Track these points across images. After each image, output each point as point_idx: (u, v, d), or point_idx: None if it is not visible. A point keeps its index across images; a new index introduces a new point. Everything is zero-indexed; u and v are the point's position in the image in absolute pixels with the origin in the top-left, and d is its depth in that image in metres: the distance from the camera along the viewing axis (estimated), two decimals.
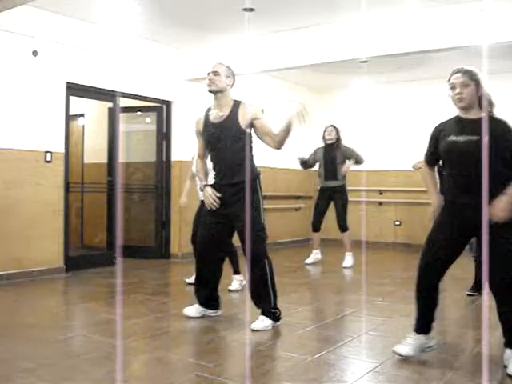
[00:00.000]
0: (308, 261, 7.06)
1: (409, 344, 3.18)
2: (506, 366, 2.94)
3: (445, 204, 3.16)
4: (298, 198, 9.41)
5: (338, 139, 6.91)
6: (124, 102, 7.37)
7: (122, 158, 7.08)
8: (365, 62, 6.80)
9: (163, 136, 7.59)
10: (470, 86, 3.01)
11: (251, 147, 3.96)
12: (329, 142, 6.90)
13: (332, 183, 6.86)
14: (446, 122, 3.17)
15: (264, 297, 3.86)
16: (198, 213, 5.27)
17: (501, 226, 2.86)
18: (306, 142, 8.97)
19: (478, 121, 2.95)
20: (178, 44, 7.19)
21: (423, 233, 9.28)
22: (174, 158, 7.55)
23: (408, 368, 3.06)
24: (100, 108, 7.29)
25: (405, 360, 3.15)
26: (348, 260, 6.75)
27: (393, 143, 8.98)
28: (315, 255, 7.11)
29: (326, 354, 3.25)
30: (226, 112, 3.91)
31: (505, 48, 6.06)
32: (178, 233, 7.44)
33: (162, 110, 7.58)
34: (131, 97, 7.05)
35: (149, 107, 7.64)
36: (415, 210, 8.83)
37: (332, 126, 7.01)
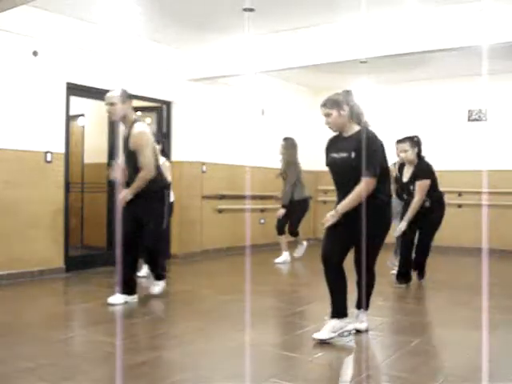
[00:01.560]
0: (278, 260, 7.23)
1: (324, 329, 3.41)
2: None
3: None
4: None
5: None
6: None
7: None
8: (365, 62, 6.80)
9: (163, 136, 7.58)
10: (332, 114, 3.43)
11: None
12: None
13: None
14: (331, 139, 3.64)
15: None
16: None
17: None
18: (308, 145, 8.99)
19: (349, 138, 3.46)
20: (178, 44, 7.19)
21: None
22: (174, 158, 7.54)
23: (408, 368, 3.06)
24: (100, 108, 7.27)
25: (405, 360, 3.15)
26: None
27: (393, 143, 8.96)
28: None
29: (326, 354, 3.25)
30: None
31: (505, 48, 6.06)
32: (177, 233, 7.44)
33: (162, 110, 7.58)
34: (131, 97, 7.03)
35: (149, 107, 7.63)
36: None
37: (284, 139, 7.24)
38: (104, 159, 7.00)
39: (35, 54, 5.79)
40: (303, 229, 9.71)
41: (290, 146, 7.17)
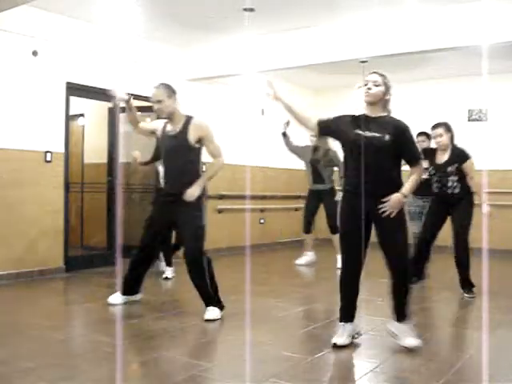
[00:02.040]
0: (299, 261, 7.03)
1: (342, 334, 3.36)
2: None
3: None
4: (297, 197, 9.39)
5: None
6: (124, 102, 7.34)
7: (121, 157, 7.07)
8: (365, 61, 6.80)
9: None
10: (378, 87, 3.36)
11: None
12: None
13: (320, 186, 6.79)
14: (350, 116, 3.44)
15: None
16: None
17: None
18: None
19: (378, 120, 3.35)
20: (178, 44, 7.19)
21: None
22: None
23: (408, 368, 3.06)
24: (100, 108, 7.28)
25: (405, 360, 3.15)
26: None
27: None
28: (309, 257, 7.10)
29: (326, 354, 3.25)
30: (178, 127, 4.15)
31: (505, 48, 6.06)
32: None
33: None
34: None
35: (149, 107, 7.60)
36: None
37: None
38: (104, 159, 7.00)
39: (35, 53, 5.79)
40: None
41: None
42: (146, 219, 4.56)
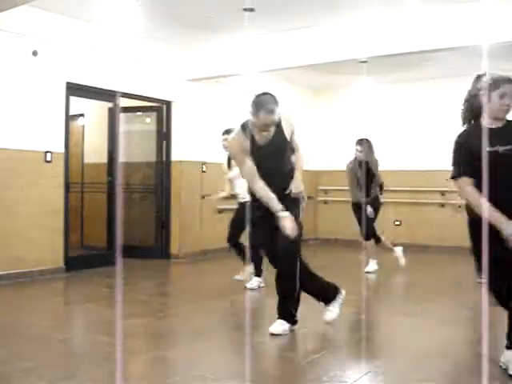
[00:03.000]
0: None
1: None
2: (505, 369, 2.89)
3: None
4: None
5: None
6: (124, 102, 7.35)
7: (121, 157, 7.08)
8: (365, 62, 6.80)
9: (163, 136, 7.59)
10: None
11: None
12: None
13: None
14: (470, 131, 2.99)
15: None
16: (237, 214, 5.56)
17: None
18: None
19: (503, 129, 2.92)
20: (178, 44, 7.19)
21: (423, 232, 9.29)
22: (173, 158, 7.55)
23: (408, 368, 3.06)
24: (100, 108, 7.29)
25: (405, 360, 3.15)
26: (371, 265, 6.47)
27: (393, 143, 8.97)
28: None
29: (326, 354, 3.25)
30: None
31: (505, 48, 6.05)
32: (178, 233, 7.44)
33: (162, 110, 7.58)
34: (131, 97, 7.05)
35: (149, 107, 7.64)
36: (415, 209, 8.84)
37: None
38: (104, 159, 7.00)
39: (35, 53, 5.79)
40: (306, 229, 9.72)
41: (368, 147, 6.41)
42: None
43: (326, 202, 9.60)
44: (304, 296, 3.82)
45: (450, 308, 4.83)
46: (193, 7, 5.76)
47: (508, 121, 2.99)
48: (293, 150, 3.90)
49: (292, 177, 3.81)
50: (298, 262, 3.67)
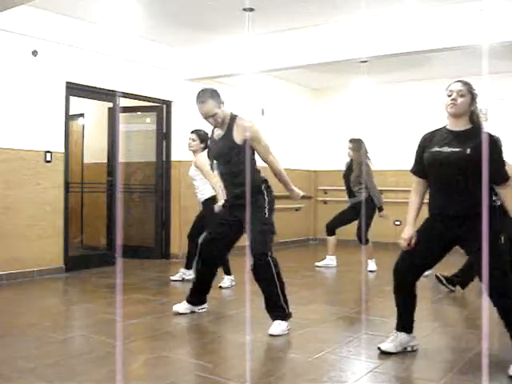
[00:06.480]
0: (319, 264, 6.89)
1: (390, 340, 3.25)
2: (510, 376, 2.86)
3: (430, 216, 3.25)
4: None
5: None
6: (124, 102, 7.36)
7: (121, 158, 7.07)
8: (365, 61, 6.80)
9: (163, 136, 7.59)
10: (465, 97, 3.05)
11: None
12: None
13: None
14: (433, 132, 3.21)
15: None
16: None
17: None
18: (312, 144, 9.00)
19: (463, 133, 3.04)
20: (178, 44, 7.19)
21: None
22: (173, 158, 7.55)
23: (408, 368, 3.06)
24: (100, 108, 7.29)
25: (405, 360, 3.15)
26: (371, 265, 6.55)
27: (393, 143, 8.98)
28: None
29: (326, 354, 3.25)
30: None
31: (505, 48, 6.06)
32: (177, 233, 7.43)
33: (161, 110, 7.58)
34: (131, 97, 7.05)
35: (149, 107, 7.63)
36: None
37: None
38: (104, 159, 7.00)
39: (35, 53, 5.79)
40: (306, 229, 9.74)
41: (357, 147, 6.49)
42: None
43: (325, 202, 9.60)
44: (305, 298, 3.82)
45: (450, 308, 4.83)
46: (193, 7, 5.76)
47: (475, 127, 3.06)
48: (253, 157, 4.00)
49: (244, 184, 3.82)
50: (271, 260, 3.82)
